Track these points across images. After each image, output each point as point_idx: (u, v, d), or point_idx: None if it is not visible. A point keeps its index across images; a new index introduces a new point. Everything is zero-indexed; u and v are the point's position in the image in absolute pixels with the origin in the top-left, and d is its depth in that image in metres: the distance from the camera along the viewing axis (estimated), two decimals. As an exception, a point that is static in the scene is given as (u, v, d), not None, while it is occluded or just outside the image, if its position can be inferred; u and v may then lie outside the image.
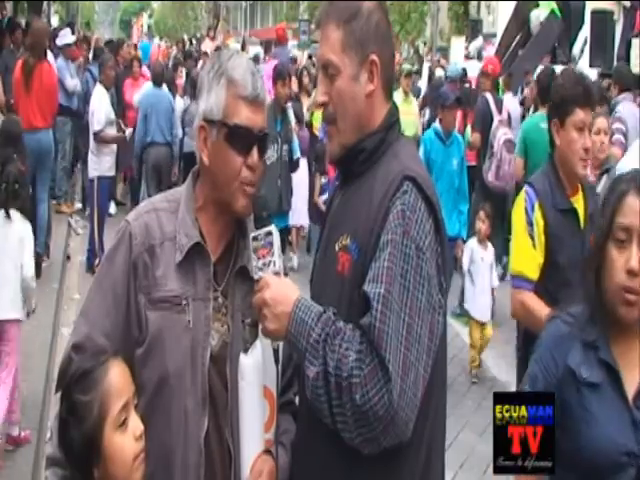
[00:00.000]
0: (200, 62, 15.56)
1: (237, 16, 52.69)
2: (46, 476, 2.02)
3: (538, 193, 3.51)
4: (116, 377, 1.94)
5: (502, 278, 7.56)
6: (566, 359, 2.16)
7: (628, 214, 2.10)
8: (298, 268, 9.04)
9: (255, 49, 18.23)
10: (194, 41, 26.57)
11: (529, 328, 3.48)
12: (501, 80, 10.20)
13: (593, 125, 3.55)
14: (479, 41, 18.36)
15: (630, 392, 2.11)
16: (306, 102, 10.65)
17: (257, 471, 2.08)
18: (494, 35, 18.63)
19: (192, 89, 10.38)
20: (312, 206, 8.91)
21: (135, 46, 20.09)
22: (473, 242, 6.90)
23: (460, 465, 5.25)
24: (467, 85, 11.31)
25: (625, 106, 7.07)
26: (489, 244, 6.95)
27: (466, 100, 9.34)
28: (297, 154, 8.09)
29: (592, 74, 10.12)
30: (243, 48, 18.82)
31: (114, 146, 9.17)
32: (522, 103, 10.60)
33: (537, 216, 3.48)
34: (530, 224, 3.49)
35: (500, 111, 8.79)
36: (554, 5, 12.73)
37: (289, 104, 8.33)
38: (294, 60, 16.09)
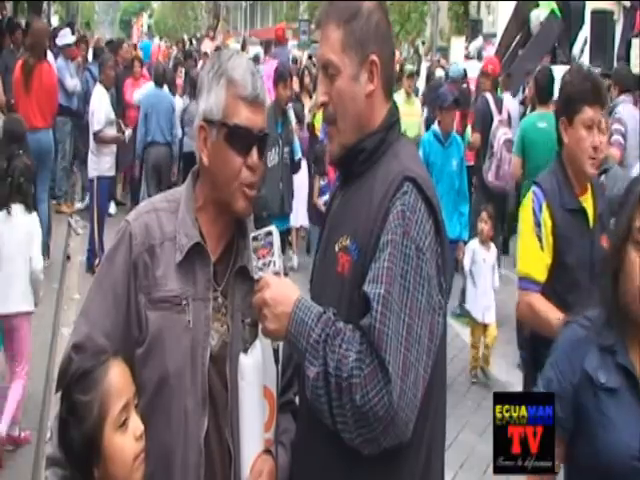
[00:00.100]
0: (200, 62, 15.56)
1: (237, 16, 52.71)
2: (46, 476, 2.02)
3: (546, 193, 3.45)
4: (116, 377, 1.94)
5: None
6: (583, 363, 2.13)
7: None
8: (298, 268, 9.04)
9: (255, 49, 18.21)
10: (194, 41, 26.57)
11: (536, 330, 3.42)
12: (500, 80, 10.19)
13: (601, 123, 3.50)
14: (479, 41, 18.36)
15: None
16: (307, 103, 10.64)
17: (257, 471, 2.08)
18: (494, 35, 18.65)
19: (192, 89, 10.38)
20: (311, 207, 8.90)
21: (135, 46, 20.10)
22: (475, 243, 6.87)
23: (460, 465, 5.25)
24: (465, 85, 11.30)
25: (625, 108, 7.07)
26: (492, 245, 6.92)
27: (464, 100, 9.34)
28: (298, 155, 8.08)
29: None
30: (243, 48, 18.80)
31: (114, 146, 9.18)
32: (523, 103, 10.60)
33: (545, 216, 3.42)
34: (538, 225, 3.42)
35: (500, 111, 8.79)
36: (554, 5, 12.72)
37: (289, 104, 8.32)
38: (295, 61, 16.08)
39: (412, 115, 10.37)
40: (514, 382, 6.45)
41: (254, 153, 2.13)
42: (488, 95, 9.00)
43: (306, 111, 10.48)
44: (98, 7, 63.91)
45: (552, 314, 3.25)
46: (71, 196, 11.67)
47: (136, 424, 1.95)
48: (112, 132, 9.11)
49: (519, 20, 13.41)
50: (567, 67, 10.50)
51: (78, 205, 11.43)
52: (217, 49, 13.68)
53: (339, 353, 1.89)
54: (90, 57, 13.93)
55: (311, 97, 10.70)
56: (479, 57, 15.47)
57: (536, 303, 3.38)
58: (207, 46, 21.16)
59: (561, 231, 3.41)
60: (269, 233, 2.06)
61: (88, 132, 9.13)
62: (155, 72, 11.11)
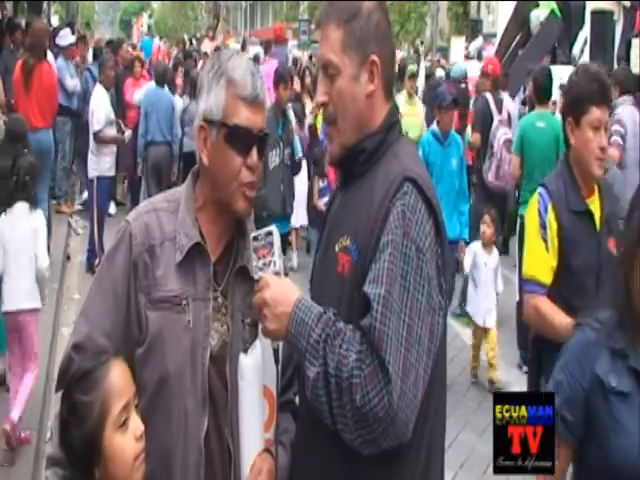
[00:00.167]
0: (200, 62, 15.56)
1: (237, 16, 52.70)
2: (46, 476, 2.03)
3: (551, 194, 3.40)
4: (117, 377, 1.94)
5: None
6: (594, 367, 2.12)
7: None
8: (298, 268, 9.04)
9: (255, 49, 18.22)
10: (194, 41, 26.57)
11: (541, 333, 3.40)
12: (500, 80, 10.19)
13: (609, 123, 3.45)
14: (479, 41, 18.36)
15: None
16: (309, 103, 10.62)
17: (257, 469, 2.08)
18: (494, 35, 18.63)
19: (192, 89, 10.37)
20: (311, 209, 8.88)
21: (134, 46, 20.09)
22: (477, 246, 6.80)
23: (460, 465, 5.25)
24: (463, 85, 11.30)
25: (625, 109, 7.06)
26: (494, 249, 6.84)
27: (462, 100, 9.33)
28: (299, 154, 8.06)
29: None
30: (243, 48, 18.81)
31: (114, 146, 9.18)
32: (524, 103, 10.59)
33: (550, 218, 3.37)
34: (543, 227, 3.38)
35: (500, 111, 8.79)
36: (554, 5, 12.71)
37: (289, 104, 8.31)
38: (295, 62, 16.07)
39: (414, 116, 10.35)
40: (514, 382, 6.46)
41: (254, 153, 2.13)
42: (488, 95, 9.01)
43: (307, 111, 10.47)
44: (98, 7, 63.87)
45: (558, 317, 3.23)
46: (71, 196, 11.67)
47: (136, 424, 1.95)
48: (112, 132, 9.11)
49: (519, 20, 13.40)
50: (567, 67, 10.54)
51: (78, 205, 11.42)
52: (217, 49, 13.67)
53: (339, 353, 1.89)
54: (90, 57, 13.93)
55: (312, 98, 10.68)
56: (479, 57, 15.47)
57: (542, 306, 3.34)
58: (207, 46, 21.14)
59: (567, 233, 3.37)
60: (269, 233, 2.07)
61: (88, 132, 9.13)
62: (156, 71, 11.11)
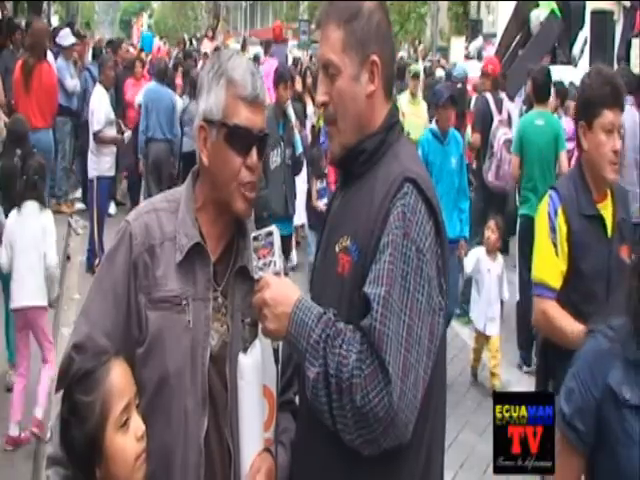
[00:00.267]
0: (200, 62, 15.56)
1: (237, 16, 52.71)
2: (48, 475, 2.02)
3: (562, 198, 3.34)
4: (118, 377, 1.94)
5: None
6: (606, 377, 2.06)
7: None
8: (298, 268, 9.04)
9: (255, 49, 18.23)
10: (194, 41, 26.56)
11: (549, 337, 3.37)
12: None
13: (622, 126, 3.40)
14: (479, 41, 18.36)
15: None
16: (310, 103, 10.59)
17: (256, 468, 2.08)
18: (494, 35, 18.63)
19: (192, 89, 10.37)
20: (310, 210, 8.86)
21: (133, 46, 20.09)
22: (480, 251, 6.67)
23: (460, 465, 5.26)
24: (460, 85, 11.28)
25: (625, 110, 7.06)
26: (499, 255, 6.71)
27: (460, 100, 9.32)
28: (299, 150, 8.03)
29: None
30: (243, 48, 18.81)
31: (114, 146, 9.17)
32: (525, 102, 10.59)
33: (560, 222, 3.32)
34: (553, 230, 3.32)
35: (500, 111, 8.80)
36: (554, 5, 12.71)
37: (288, 102, 8.30)
38: (295, 62, 16.06)
39: (417, 116, 10.34)
40: (514, 382, 6.47)
41: (254, 153, 2.13)
42: (488, 95, 9.01)
43: (310, 112, 10.44)
44: (98, 7, 63.87)
45: (566, 322, 3.21)
46: (71, 196, 11.67)
47: (137, 424, 1.95)
48: (112, 132, 9.11)
49: (519, 20, 13.39)
50: (567, 67, 10.54)
51: (78, 205, 11.41)
52: (217, 49, 13.68)
53: (339, 354, 1.89)
54: (90, 57, 13.93)
55: (313, 98, 10.67)
56: (479, 57, 15.47)
57: (550, 310, 3.30)
58: (207, 46, 21.14)
59: (577, 237, 3.31)
60: (270, 233, 2.06)
61: (87, 132, 9.13)
62: (157, 68, 11.11)
